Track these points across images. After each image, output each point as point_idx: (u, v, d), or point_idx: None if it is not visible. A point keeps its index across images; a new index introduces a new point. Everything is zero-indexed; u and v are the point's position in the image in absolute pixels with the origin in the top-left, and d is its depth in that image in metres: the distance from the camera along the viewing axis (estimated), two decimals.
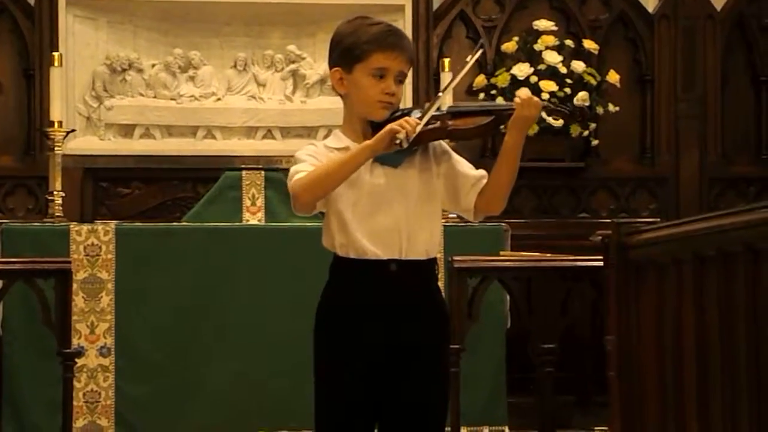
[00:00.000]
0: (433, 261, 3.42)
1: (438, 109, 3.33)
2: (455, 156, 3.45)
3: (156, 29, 7.48)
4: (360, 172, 3.30)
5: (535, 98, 3.34)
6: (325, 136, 3.52)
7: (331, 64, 3.45)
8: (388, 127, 3.24)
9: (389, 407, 3.36)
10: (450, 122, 3.33)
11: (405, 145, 3.21)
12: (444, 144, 3.45)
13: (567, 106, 3.53)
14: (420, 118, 3.27)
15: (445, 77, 6.65)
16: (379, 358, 3.33)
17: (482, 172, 3.43)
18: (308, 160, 3.34)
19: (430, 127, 3.29)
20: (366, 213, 3.33)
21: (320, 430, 3.40)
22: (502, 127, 3.39)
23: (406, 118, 3.25)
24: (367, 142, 3.27)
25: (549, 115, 3.45)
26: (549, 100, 3.46)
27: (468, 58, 3.47)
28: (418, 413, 3.37)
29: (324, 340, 3.40)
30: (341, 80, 3.41)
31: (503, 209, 3.44)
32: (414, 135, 3.22)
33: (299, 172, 3.31)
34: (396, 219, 3.33)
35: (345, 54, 3.39)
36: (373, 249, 3.32)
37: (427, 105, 3.37)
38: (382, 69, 3.36)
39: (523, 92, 3.36)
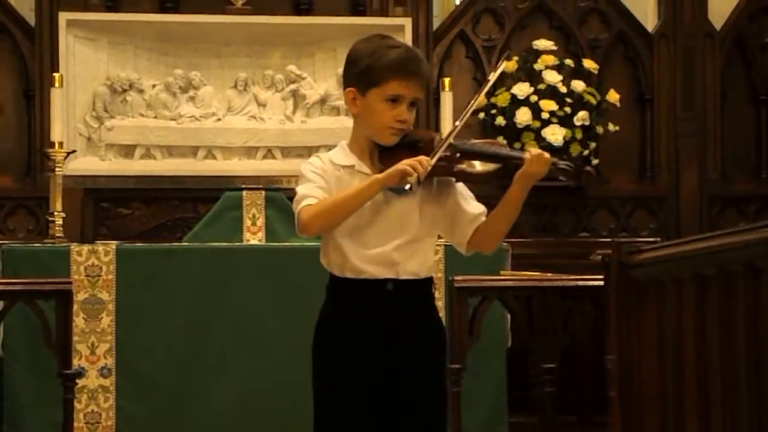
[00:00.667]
0: (429, 280, 3.42)
1: (450, 144, 3.32)
2: (458, 187, 3.44)
3: (156, 50, 7.49)
4: None
5: (546, 155, 3.33)
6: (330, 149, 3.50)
7: (346, 83, 3.43)
8: (402, 165, 3.22)
9: (388, 425, 3.36)
10: (458, 165, 3.33)
11: (415, 189, 3.23)
12: None
13: (572, 166, 3.52)
14: (433, 155, 3.27)
15: (445, 97, 6.67)
16: (377, 376, 3.33)
17: (482, 209, 3.42)
18: (315, 181, 3.34)
19: (440, 164, 3.29)
20: (365, 238, 3.33)
21: None
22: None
23: (420, 158, 3.23)
24: (378, 176, 3.26)
25: (556, 174, 3.45)
26: (562, 160, 3.45)
27: (490, 77, 3.47)
28: (418, 430, 3.37)
29: (322, 358, 3.41)
30: (354, 100, 3.39)
31: (496, 249, 3.45)
32: (424, 177, 3.22)
33: (307, 198, 3.30)
34: (394, 245, 3.33)
35: (361, 76, 3.36)
36: (370, 270, 3.32)
37: (438, 139, 3.36)
38: (398, 96, 3.34)
39: (535, 149, 3.36)
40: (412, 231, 3.35)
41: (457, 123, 3.38)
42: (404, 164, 3.22)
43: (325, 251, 3.39)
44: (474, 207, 3.42)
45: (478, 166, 3.35)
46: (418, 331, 3.38)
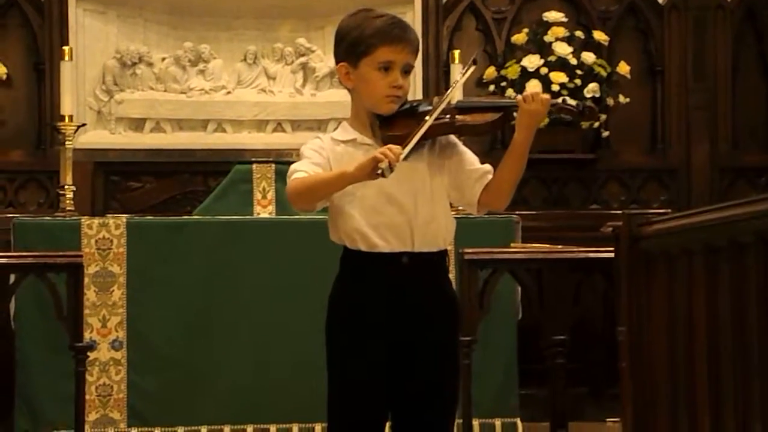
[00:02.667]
0: (444, 252, 3.43)
1: (447, 103, 3.34)
2: (462, 148, 3.45)
3: (166, 23, 7.49)
4: None
5: (543, 95, 3.33)
6: (335, 129, 3.52)
7: (337, 58, 3.46)
8: (372, 155, 3.17)
9: (401, 398, 3.38)
10: (459, 117, 3.35)
11: (387, 175, 3.14)
12: (451, 136, 3.45)
13: (576, 105, 3.52)
14: (429, 116, 3.27)
15: (455, 69, 6.65)
16: (390, 350, 3.34)
17: (488, 166, 3.44)
18: (312, 158, 3.35)
19: (440, 121, 3.30)
20: (374, 207, 3.33)
21: (333, 421, 3.42)
22: (512, 122, 3.39)
23: (390, 146, 3.18)
24: (348, 170, 3.22)
25: (558, 114, 3.46)
26: (563, 101, 3.45)
27: (462, 69, 3.48)
28: (430, 404, 3.39)
29: (336, 332, 3.41)
30: (348, 74, 3.42)
31: (507, 204, 3.44)
32: (396, 164, 3.15)
33: (297, 172, 3.32)
34: (405, 212, 3.34)
35: (350, 49, 3.40)
36: (384, 242, 3.32)
37: (434, 102, 3.37)
38: (389, 62, 3.36)
39: (531, 87, 3.36)
40: (423, 194, 3.35)
41: (453, 84, 3.40)
42: (375, 153, 3.17)
43: (334, 226, 3.39)
44: (480, 166, 3.43)
45: (479, 118, 3.36)
46: (433, 305, 3.38)
